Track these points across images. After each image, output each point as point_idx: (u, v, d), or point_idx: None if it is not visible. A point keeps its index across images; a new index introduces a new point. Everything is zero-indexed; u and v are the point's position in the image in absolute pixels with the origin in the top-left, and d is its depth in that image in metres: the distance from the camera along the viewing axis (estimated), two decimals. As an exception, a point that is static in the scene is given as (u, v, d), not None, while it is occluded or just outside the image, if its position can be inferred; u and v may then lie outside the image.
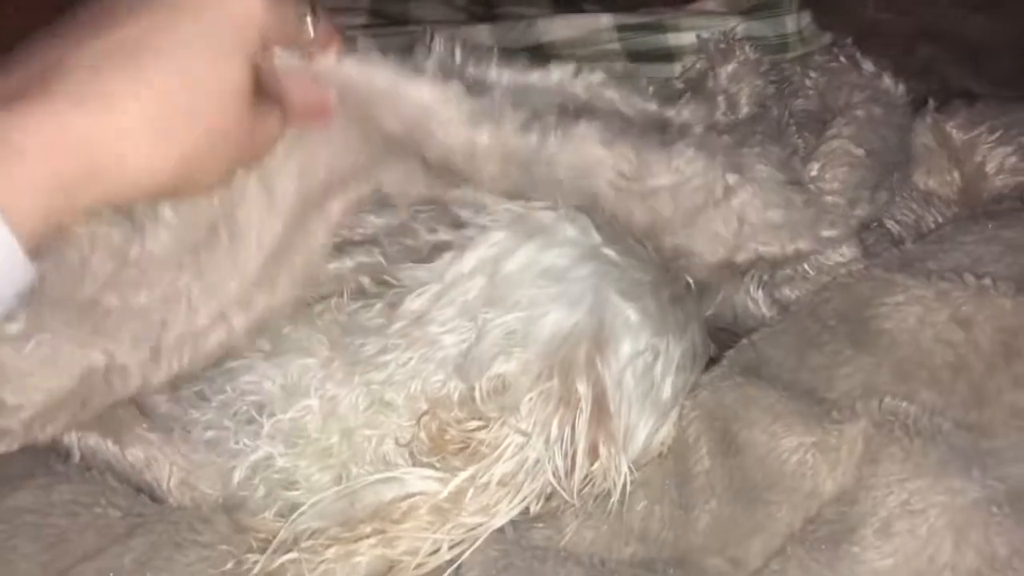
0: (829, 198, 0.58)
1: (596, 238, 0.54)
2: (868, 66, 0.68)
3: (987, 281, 0.53)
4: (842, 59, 0.68)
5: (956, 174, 0.74)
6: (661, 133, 0.58)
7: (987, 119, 0.74)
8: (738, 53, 0.65)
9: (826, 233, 0.57)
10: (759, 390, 0.52)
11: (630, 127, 0.57)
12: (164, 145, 0.39)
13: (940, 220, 0.72)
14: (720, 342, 0.59)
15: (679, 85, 0.67)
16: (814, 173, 0.60)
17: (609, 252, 0.53)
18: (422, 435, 0.50)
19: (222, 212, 0.48)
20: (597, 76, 0.56)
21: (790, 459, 0.49)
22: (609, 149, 0.52)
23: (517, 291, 0.51)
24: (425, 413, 0.50)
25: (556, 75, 0.55)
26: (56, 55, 0.38)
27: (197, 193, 0.45)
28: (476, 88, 0.49)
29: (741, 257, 0.56)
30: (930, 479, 0.45)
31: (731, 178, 0.55)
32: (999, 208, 0.64)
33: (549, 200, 0.53)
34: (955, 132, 0.74)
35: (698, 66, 0.67)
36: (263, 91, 0.43)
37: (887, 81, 0.67)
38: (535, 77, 0.54)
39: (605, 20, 0.72)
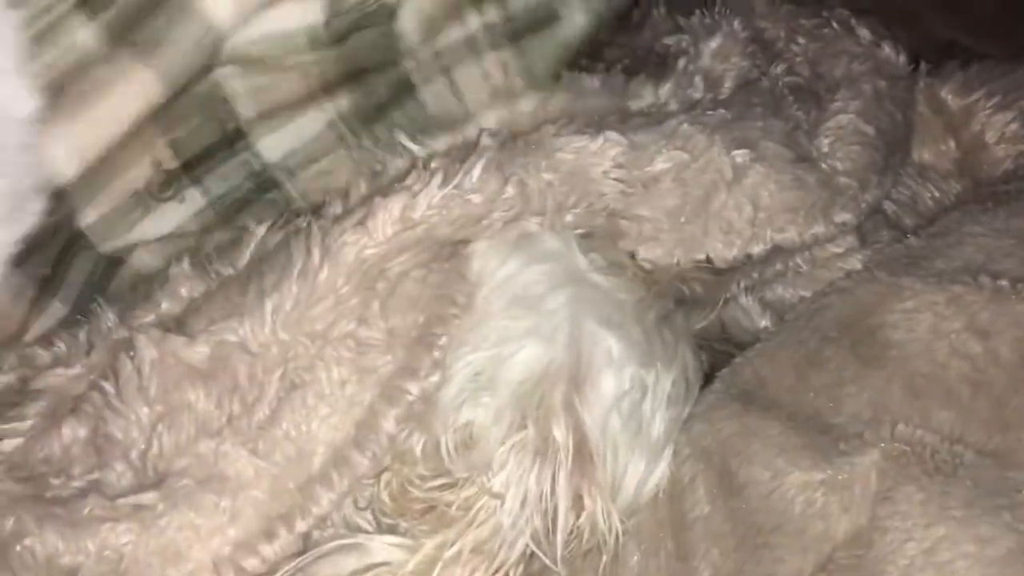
0: (842, 179, 0.53)
1: (577, 253, 0.48)
2: (865, 33, 0.61)
3: (1004, 282, 0.48)
4: (835, 25, 0.61)
5: (952, 143, 0.69)
6: (642, 118, 0.52)
7: (984, 83, 0.68)
8: (724, 27, 0.58)
9: (840, 217, 0.52)
10: (759, 419, 0.47)
11: (602, 119, 0.50)
12: None
13: (937, 195, 0.67)
14: (712, 357, 0.53)
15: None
16: (824, 150, 0.54)
17: (589, 271, 0.47)
18: (383, 495, 0.44)
19: None
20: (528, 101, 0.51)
21: (796, 498, 0.44)
22: (591, 138, 0.46)
23: (487, 322, 0.45)
24: (386, 469, 0.44)
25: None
26: None
27: None
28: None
29: (757, 248, 0.50)
30: (955, 526, 0.40)
31: (739, 155, 0.49)
32: (1007, 190, 0.58)
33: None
34: (950, 98, 0.68)
35: (683, 44, 0.58)
36: None
37: (887, 50, 0.60)
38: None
39: None
